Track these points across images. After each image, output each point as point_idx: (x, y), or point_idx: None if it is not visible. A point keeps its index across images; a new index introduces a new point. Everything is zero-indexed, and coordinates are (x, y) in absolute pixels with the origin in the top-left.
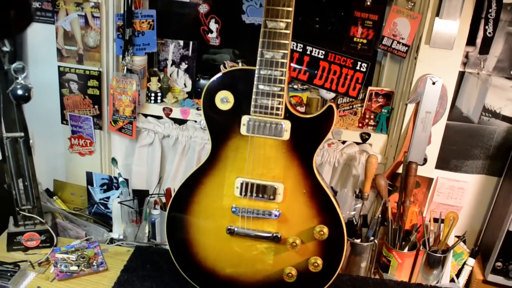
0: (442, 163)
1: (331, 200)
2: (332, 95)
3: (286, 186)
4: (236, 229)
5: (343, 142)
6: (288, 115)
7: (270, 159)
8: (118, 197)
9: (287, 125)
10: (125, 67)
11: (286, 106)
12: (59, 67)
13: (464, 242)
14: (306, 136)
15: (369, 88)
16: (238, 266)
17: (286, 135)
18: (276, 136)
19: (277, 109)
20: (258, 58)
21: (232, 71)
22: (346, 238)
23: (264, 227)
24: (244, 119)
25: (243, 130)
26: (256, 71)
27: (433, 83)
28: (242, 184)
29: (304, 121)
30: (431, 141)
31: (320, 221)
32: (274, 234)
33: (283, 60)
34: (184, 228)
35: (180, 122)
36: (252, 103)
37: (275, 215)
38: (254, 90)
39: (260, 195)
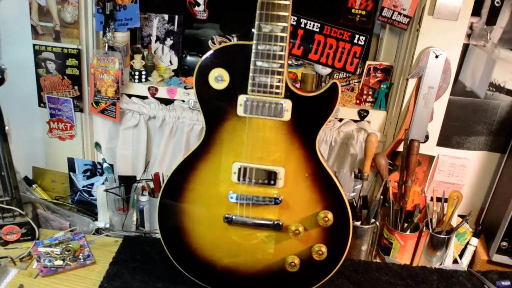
0: (444, 140)
1: (335, 184)
2: (328, 70)
3: (288, 170)
4: (234, 217)
5: (340, 120)
6: (289, 94)
7: (269, 142)
8: (103, 183)
9: (287, 104)
10: (106, 44)
11: (286, 84)
12: (34, 45)
13: (466, 221)
14: (308, 116)
15: (367, 62)
16: (237, 256)
17: (287, 116)
18: (276, 116)
19: (277, 87)
20: (255, 32)
21: (226, 47)
22: (351, 223)
23: (264, 215)
24: (241, 99)
25: (240, 111)
26: (253, 47)
27: (436, 57)
28: (239, 169)
29: (306, 100)
30: (433, 117)
31: (324, 207)
32: (275, 222)
33: (282, 34)
34: (178, 218)
35: (167, 102)
36: (250, 81)
37: (276, 202)
38: (252, 67)
39: (260, 181)
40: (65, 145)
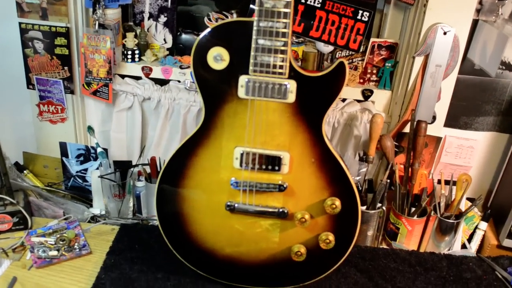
0: (451, 121)
1: (343, 169)
2: (330, 48)
3: (292, 155)
4: (236, 205)
5: (343, 100)
6: (293, 74)
7: (273, 125)
8: (97, 169)
9: (292, 85)
10: (97, 22)
11: (290, 64)
12: (20, 23)
13: (476, 205)
14: (314, 98)
15: (371, 39)
16: (240, 245)
17: (291, 97)
18: (280, 98)
19: (280, 67)
20: (257, 8)
21: (226, 24)
22: (360, 210)
23: (268, 202)
24: (242, 79)
25: (241, 92)
26: (255, 23)
27: (444, 33)
28: (242, 154)
29: (312, 81)
30: (440, 97)
31: (331, 193)
32: (280, 210)
33: (286, 10)
34: (177, 206)
35: (162, 82)
36: (251, 60)
37: (281, 188)
38: (253, 45)
39: (263, 166)
40: (57, 128)
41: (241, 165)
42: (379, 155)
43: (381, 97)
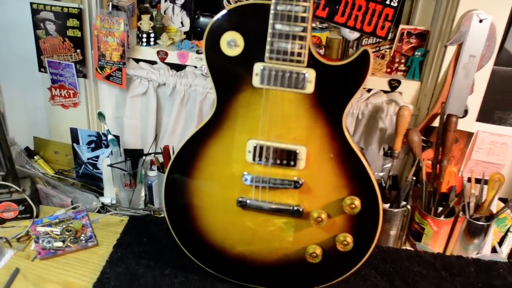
0: (484, 115)
1: (363, 166)
2: (356, 35)
3: (310, 149)
4: (248, 201)
5: (369, 91)
6: (313, 63)
7: (289, 117)
8: (108, 157)
9: (311, 74)
10: (110, 3)
11: (309, 51)
12: (31, 3)
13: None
14: (335, 89)
15: (400, 26)
16: (251, 243)
17: (310, 87)
18: (298, 88)
19: (299, 54)
20: None
21: (241, 7)
22: (381, 211)
23: (282, 199)
24: (257, 67)
25: (255, 81)
26: (272, 7)
27: (480, 21)
28: (255, 147)
29: (332, 70)
30: (473, 90)
31: (350, 192)
32: (295, 208)
33: None
34: (186, 200)
35: (178, 68)
36: (267, 47)
37: (296, 185)
38: (270, 30)
39: (278, 161)
40: (69, 113)
41: (254, 159)
42: (405, 150)
43: (409, 88)
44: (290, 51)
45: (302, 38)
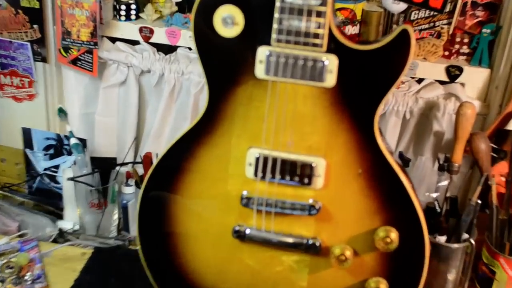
0: None
1: (403, 185)
2: (403, 6)
3: (330, 162)
4: (248, 230)
5: (419, 81)
6: (334, 47)
7: (303, 119)
8: (70, 167)
9: (332, 62)
10: None
11: (330, 31)
12: None
13: None
14: (364, 81)
15: None
16: None
17: (331, 79)
18: (314, 80)
19: (316, 35)
20: None
21: None
22: (428, 247)
23: (293, 229)
24: (262, 52)
25: (259, 70)
26: None
27: None
28: (258, 159)
29: (360, 56)
30: None
31: (385, 221)
32: (310, 241)
33: None
34: (166, 229)
35: (167, 50)
36: (274, 26)
37: (312, 210)
38: (278, 4)
39: (288, 177)
40: (22, 108)
41: (256, 174)
42: (469, 162)
43: (474, 78)
44: (305, 31)
45: (320, 14)
